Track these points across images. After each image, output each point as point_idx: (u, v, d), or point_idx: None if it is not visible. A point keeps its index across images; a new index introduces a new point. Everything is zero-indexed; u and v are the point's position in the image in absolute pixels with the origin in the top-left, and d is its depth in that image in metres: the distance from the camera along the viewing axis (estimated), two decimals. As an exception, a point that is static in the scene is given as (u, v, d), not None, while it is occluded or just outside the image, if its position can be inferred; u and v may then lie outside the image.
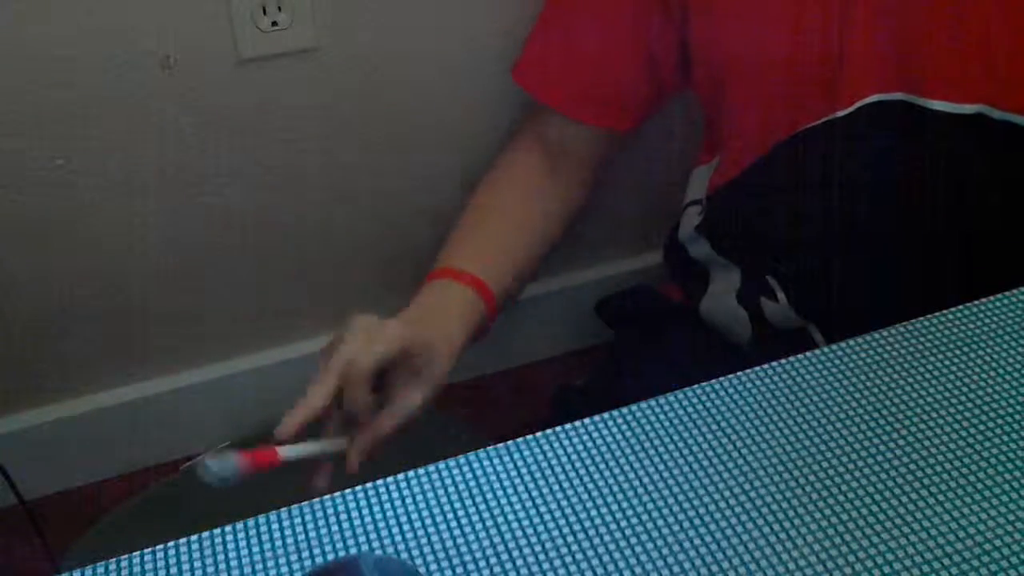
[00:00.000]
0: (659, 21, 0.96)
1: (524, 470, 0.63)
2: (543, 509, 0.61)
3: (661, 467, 0.63)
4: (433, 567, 0.58)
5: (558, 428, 0.66)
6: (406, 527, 0.60)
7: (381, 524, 0.60)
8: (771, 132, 0.91)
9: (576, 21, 1.01)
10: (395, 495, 0.62)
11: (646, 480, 0.62)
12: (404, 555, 0.59)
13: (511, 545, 0.59)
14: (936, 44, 0.83)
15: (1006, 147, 0.85)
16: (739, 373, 0.69)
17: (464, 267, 0.96)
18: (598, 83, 1.01)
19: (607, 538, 0.59)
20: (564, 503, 0.61)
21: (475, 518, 0.60)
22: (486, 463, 0.64)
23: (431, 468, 0.64)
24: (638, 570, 0.57)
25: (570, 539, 0.59)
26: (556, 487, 0.62)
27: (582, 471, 0.63)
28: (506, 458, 0.64)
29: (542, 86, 1.05)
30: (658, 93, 1.02)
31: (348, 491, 0.63)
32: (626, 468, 0.63)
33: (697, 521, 0.59)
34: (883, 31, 0.84)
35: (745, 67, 0.91)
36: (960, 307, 0.73)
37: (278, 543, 0.60)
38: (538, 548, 0.58)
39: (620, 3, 0.97)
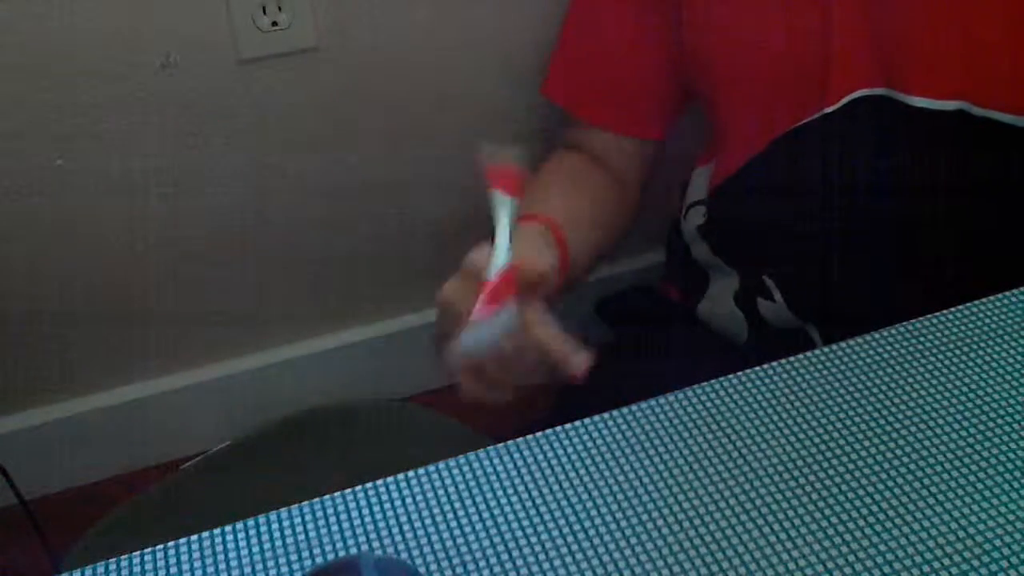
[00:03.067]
0: (657, 23, 0.96)
1: (524, 470, 0.63)
2: (543, 509, 0.61)
3: (661, 467, 0.63)
4: (433, 567, 0.58)
5: (558, 428, 0.66)
6: (406, 527, 0.60)
7: (381, 524, 0.60)
8: (763, 131, 0.91)
9: (592, 34, 1.02)
10: (395, 495, 0.62)
11: (646, 480, 0.62)
12: (404, 555, 0.59)
13: (511, 545, 0.59)
14: (916, 39, 0.84)
15: (990, 144, 0.85)
16: (739, 373, 0.69)
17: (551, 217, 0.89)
18: (626, 94, 1.02)
19: (607, 538, 0.59)
20: (564, 503, 0.61)
21: (475, 518, 0.60)
22: (486, 463, 0.64)
23: (431, 468, 0.64)
24: (638, 570, 0.57)
25: (570, 539, 0.59)
26: (556, 487, 0.62)
27: (582, 471, 0.63)
28: (506, 458, 0.64)
29: (572, 100, 1.05)
30: (684, 95, 1.03)
31: (348, 491, 0.63)
32: (626, 468, 0.63)
33: (697, 521, 0.59)
34: (865, 26, 0.84)
35: (733, 67, 0.92)
36: (960, 307, 0.73)
37: (278, 543, 0.60)
38: (538, 548, 0.58)
39: (622, 12, 0.98)
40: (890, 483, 0.61)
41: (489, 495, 0.62)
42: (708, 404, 0.67)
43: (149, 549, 0.60)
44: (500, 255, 0.70)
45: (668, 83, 1.01)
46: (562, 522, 0.60)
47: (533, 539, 0.59)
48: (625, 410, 0.67)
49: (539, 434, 0.65)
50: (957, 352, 0.69)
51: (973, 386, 0.67)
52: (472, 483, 0.63)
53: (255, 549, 0.59)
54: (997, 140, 0.84)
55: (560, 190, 1.00)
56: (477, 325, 0.64)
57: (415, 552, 0.59)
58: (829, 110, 0.86)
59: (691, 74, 0.98)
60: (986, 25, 0.82)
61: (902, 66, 0.84)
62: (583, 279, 0.99)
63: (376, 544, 0.59)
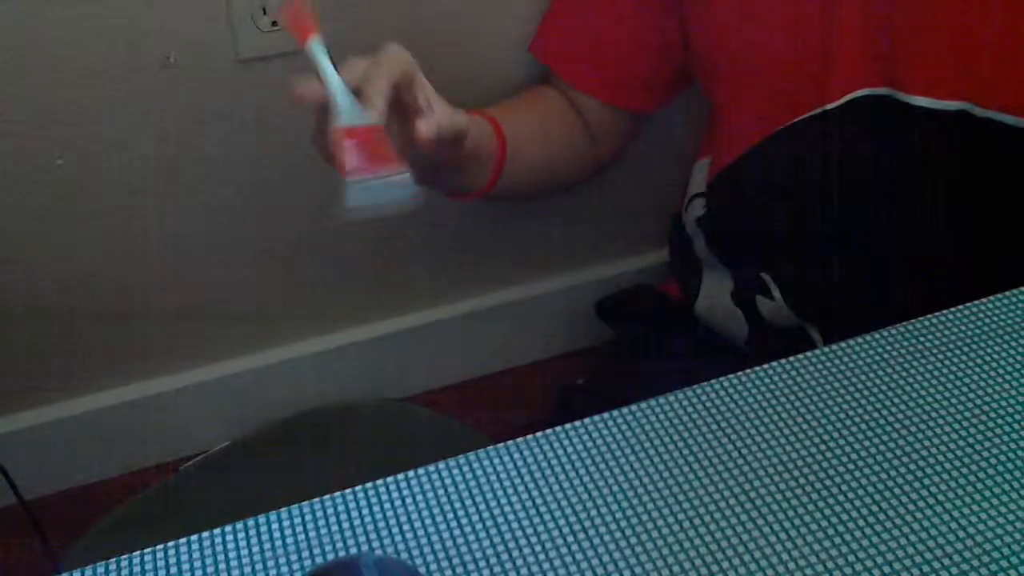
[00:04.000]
0: (659, 7, 0.96)
1: (524, 470, 0.63)
2: (543, 509, 0.61)
3: (661, 467, 0.63)
4: (433, 567, 0.58)
5: (558, 428, 0.66)
6: (406, 527, 0.60)
7: (381, 524, 0.60)
8: (762, 125, 0.91)
9: (587, 4, 1.02)
10: (395, 495, 0.62)
11: (646, 480, 0.62)
12: (404, 555, 0.59)
13: (511, 545, 0.59)
14: (918, 39, 0.83)
15: (992, 146, 0.85)
16: (739, 373, 0.69)
17: (503, 125, 0.95)
18: (612, 64, 1.02)
19: (607, 538, 0.59)
20: (564, 503, 0.61)
21: (475, 518, 0.60)
22: (486, 463, 0.64)
23: (431, 468, 0.64)
24: (638, 570, 0.57)
25: (570, 539, 0.59)
26: (556, 487, 0.62)
27: (582, 471, 0.63)
28: (506, 458, 0.64)
29: (559, 62, 1.06)
30: (675, 75, 1.03)
31: (348, 491, 0.62)
32: (626, 468, 0.63)
33: (697, 521, 0.59)
34: (868, 24, 0.84)
35: (735, 62, 0.92)
36: (960, 307, 0.73)
37: (278, 543, 0.60)
38: (538, 548, 0.58)
39: None
40: (890, 483, 0.61)
41: (489, 495, 0.62)
42: (708, 404, 0.67)
43: (149, 549, 0.60)
44: (342, 100, 0.75)
45: (660, 63, 1.01)
46: (562, 522, 0.60)
47: (533, 539, 0.59)
48: (625, 410, 0.67)
49: (539, 434, 0.65)
50: (957, 352, 0.69)
51: (974, 386, 0.67)
52: (472, 483, 0.63)
53: (255, 549, 0.59)
54: (999, 141, 0.84)
55: (517, 105, 1.04)
56: (365, 182, 0.71)
57: (415, 552, 0.59)
58: (830, 106, 0.86)
59: (692, 65, 0.98)
60: (990, 26, 0.82)
61: (904, 66, 0.84)
62: (521, 192, 1.03)
63: (376, 544, 0.59)
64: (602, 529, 0.59)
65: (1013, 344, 0.70)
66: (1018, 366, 0.68)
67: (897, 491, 0.60)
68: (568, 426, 0.66)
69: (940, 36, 0.83)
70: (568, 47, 1.05)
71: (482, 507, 0.61)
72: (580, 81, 1.04)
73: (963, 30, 0.83)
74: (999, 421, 0.64)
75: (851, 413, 0.65)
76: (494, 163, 0.93)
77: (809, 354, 0.70)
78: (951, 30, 0.83)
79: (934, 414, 0.65)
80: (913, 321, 0.72)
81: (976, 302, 0.73)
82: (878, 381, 0.67)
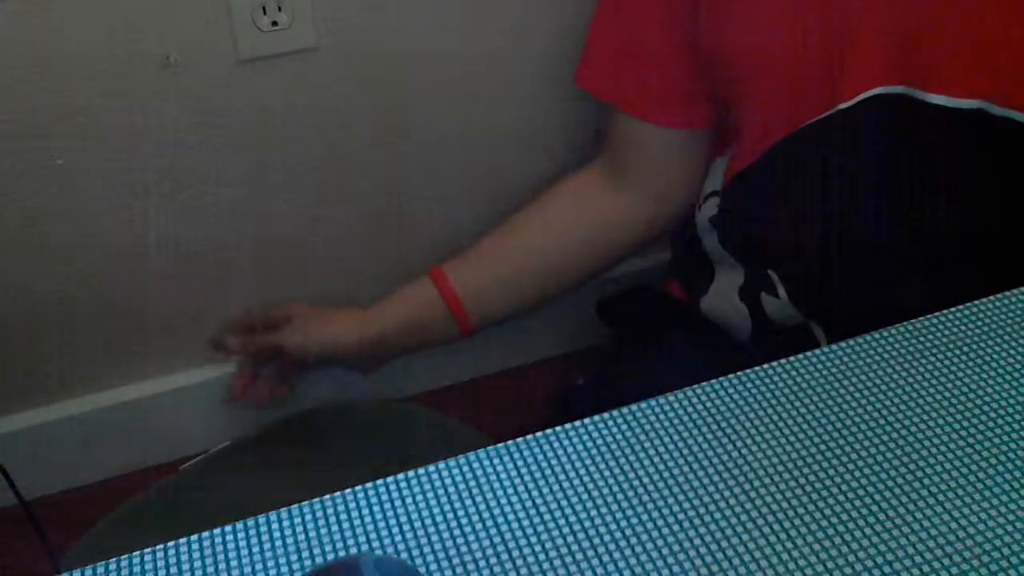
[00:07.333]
0: (683, 15, 0.96)
1: (524, 470, 0.63)
2: (543, 509, 0.61)
3: (661, 467, 0.63)
4: (433, 567, 0.58)
5: (558, 428, 0.66)
6: (406, 527, 0.60)
7: (381, 524, 0.60)
8: (778, 126, 0.91)
9: (626, 23, 1.02)
10: (395, 495, 0.62)
11: (646, 480, 0.62)
12: (404, 555, 0.59)
13: (511, 545, 0.59)
14: (936, 38, 0.83)
15: (1007, 144, 0.85)
16: (740, 373, 0.69)
17: (454, 280, 1.09)
18: (659, 83, 1.02)
19: (607, 538, 0.59)
20: (564, 503, 0.61)
21: (475, 518, 0.60)
22: (486, 463, 0.64)
23: (431, 468, 0.64)
24: (638, 570, 0.57)
25: (570, 539, 0.59)
26: (556, 487, 0.62)
27: (582, 471, 0.63)
28: (506, 458, 0.64)
29: (608, 89, 1.05)
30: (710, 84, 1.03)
31: (348, 491, 0.62)
32: (626, 468, 0.63)
33: (697, 521, 0.59)
34: (885, 23, 0.84)
35: (750, 63, 0.92)
36: (960, 307, 0.73)
37: (278, 543, 0.60)
38: (538, 548, 0.58)
39: (649, 7, 0.98)
40: (890, 483, 0.61)
41: (489, 495, 0.62)
42: (708, 404, 0.67)
43: (149, 549, 0.60)
44: None
45: (695, 75, 1.01)
46: (562, 522, 0.60)
47: (533, 539, 0.59)
48: (625, 410, 0.67)
49: (539, 434, 0.65)
50: (957, 352, 0.69)
51: (973, 386, 0.67)
52: (472, 483, 0.62)
53: (255, 549, 0.59)
54: (1016, 139, 0.84)
55: (503, 233, 1.13)
56: None
57: (415, 552, 0.59)
58: (844, 106, 0.86)
59: (709, 66, 0.98)
60: (1008, 24, 0.82)
61: (921, 64, 0.84)
62: (534, 305, 1.15)
63: (376, 544, 0.59)
64: (602, 529, 0.59)
65: (1013, 344, 0.70)
66: (1018, 366, 0.68)
67: (897, 491, 0.60)
68: (568, 426, 0.66)
69: (957, 34, 0.83)
70: (612, 75, 1.05)
71: (482, 507, 0.61)
72: (625, 103, 1.04)
73: (980, 28, 0.82)
74: (999, 421, 0.64)
75: (852, 413, 0.65)
76: (457, 323, 1.03)
77: (809, 354, 0.70)
78: (968, 28, 0.83)
79: (934, 414, 0.65)
80: (914, 321, 0.72)
81: (977, 302, 0.73)
82: (879, 381, 0.67)
